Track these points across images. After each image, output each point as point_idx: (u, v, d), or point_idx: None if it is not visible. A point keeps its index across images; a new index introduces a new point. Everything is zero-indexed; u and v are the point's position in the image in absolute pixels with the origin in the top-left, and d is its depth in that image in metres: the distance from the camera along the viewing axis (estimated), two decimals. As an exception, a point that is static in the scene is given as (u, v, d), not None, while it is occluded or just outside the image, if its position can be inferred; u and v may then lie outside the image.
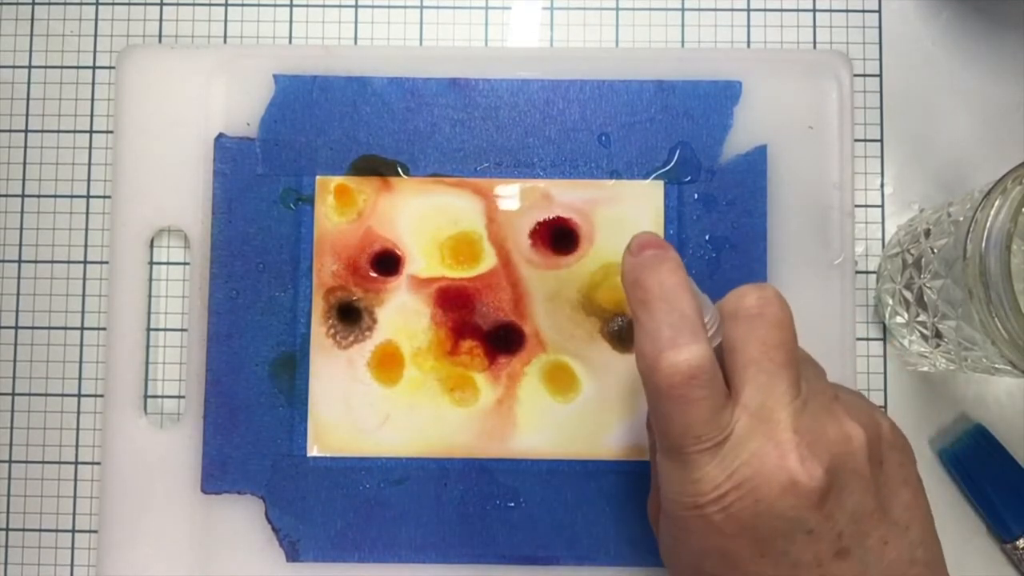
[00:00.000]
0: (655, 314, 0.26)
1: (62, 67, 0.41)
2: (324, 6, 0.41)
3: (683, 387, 0.25)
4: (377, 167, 0.38)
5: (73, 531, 0.39)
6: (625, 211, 0.38)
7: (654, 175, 0.38)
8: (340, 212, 0.38)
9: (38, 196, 0.40)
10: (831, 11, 0.41)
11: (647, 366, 0.26)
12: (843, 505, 0.26)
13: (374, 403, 0.38)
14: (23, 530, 0.39)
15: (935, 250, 0.33)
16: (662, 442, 0.27)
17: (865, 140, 0.40)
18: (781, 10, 0.41)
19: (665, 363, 0.25)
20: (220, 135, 0.39)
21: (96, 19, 0.41)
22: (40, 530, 0.39)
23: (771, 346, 0.26)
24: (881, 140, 0.40)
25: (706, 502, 0.26)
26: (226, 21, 0.41)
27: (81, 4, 0.41)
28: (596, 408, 0.38)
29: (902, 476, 0.27)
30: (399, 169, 0.38)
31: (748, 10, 0.41)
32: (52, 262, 0.40)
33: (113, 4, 0.41)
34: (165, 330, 0.39)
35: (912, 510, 0.27)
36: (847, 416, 0.26)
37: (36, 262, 0.40)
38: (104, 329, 0.39)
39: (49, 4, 0.41)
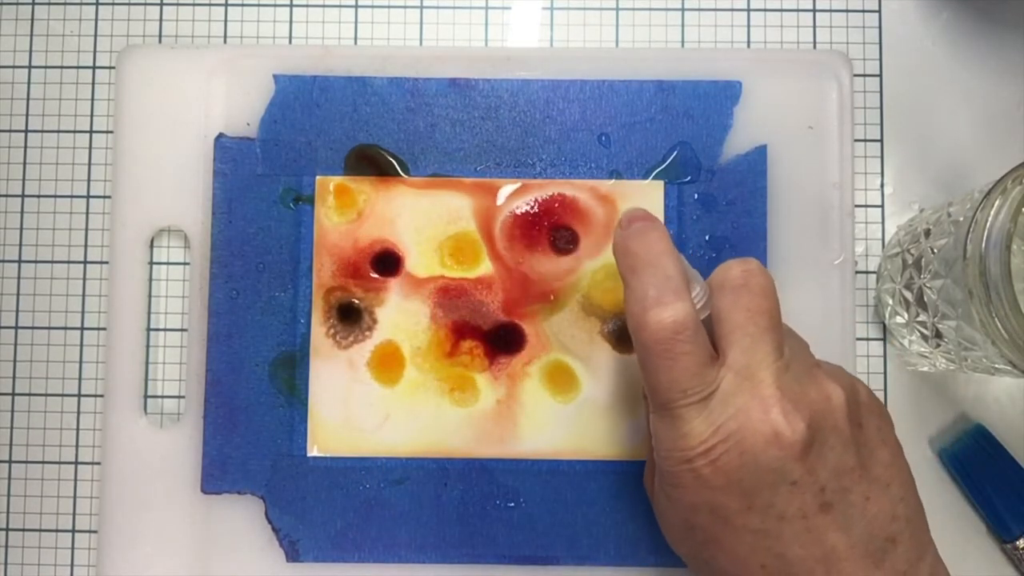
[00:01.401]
0: (642, 277, 0.28)
1: (62, 67, 0.41)
2: (324, 6, 0.41)
3: (668, 341, 0.27)
4: (375, 159, 0.38)
5: (73, 531, 0.39)
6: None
7: (654, 175, 0.38)
8: (340, 212, 0.38)
9: (38, 196, 0.40)
10: (831, 11, 0.41)
11: (635, 324, 0.28)
12: (825, 460, 0.27)
13: (374, 403, 0.38)
14: (23, 530, 0.39)
15: (935, 250, 0.33)
16: (652, 399, 0.28)
17: (865, 140, 0.40)
18: (781, 10, 0.41)
19: (651, 320, 0.27)
20: (220, 135, 0.39)
21: (96, 19, 0.41)
22: (40, 530, 0.39)
23: (755, 312, 0.28)
24: (881, 140, 0.40)
25: (695, 455, 0.27)
26: (226, 21, 0.41)
27: (81, 4, 0.41)
28: (596, 408, 0.38)
29: (880, 437, 0.29)
30: (396, 165, 0.38)
31: (748, 10, 0.41)
32: (52, 262, 0.40)
33: (113, 4, 0.41)
34: (165, 330, 0.39)
35: (892, 468, 0.28)
36: (827, 378, 0.28)
37: (36, 262, 0.40)
38: (104, 329, 0.39)
39: (49, 4, 0.41)
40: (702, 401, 0.27)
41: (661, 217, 0.38)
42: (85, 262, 0.40)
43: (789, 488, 0.27)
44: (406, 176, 0.38)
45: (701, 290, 0.29)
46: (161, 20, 0.41)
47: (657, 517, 0.31)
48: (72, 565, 0.39)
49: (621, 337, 0.38)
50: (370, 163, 0.38)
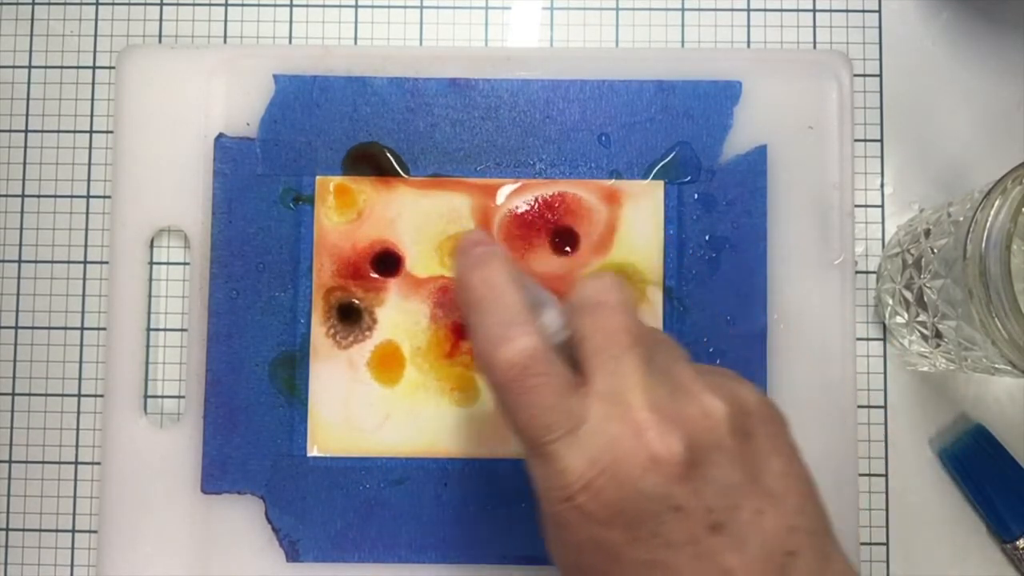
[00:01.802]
0: (483, 313, 0.27)
1: (62, 67, 0.41)
2: (324, 6, 0.41)
3: (520, 379, 0.26)
4: (377, 157, 0.38)
5: (73, 531, 0.39)
6: (625, 211, 0.38)
7: (654, 175, 0.38)
8: (340, 212, 0.38)
9: (38, 196, 0.40)
10: (831, 11, 0.41)
11: (484, 364, 0.26)
12: (709, 479, 0.25)
13: (374, 403, 0.38)
14: (23, 530, 0.39)
15: (935, 250, 0.33)
16: (521, 441, 0.27)
17: (865, 140, 0.40)
18: (781, 10, 0.41)
19: (500, 358, 0.26)
20: (220, 135, 0.39)
21: (96, 19, 0.41)
22: (40, 530, 0.39)
23: (613, 331, 0.27)
24: (881, 140, 0.40)
25: (574, 492, 0.25)
26: (226, 21, 0.41)
27: (81, 4, 0.41)
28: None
29: (773, 447, 0.27)
30: (396, 163, 0.38)
31: (748, 10, 0.41)
32: (52, 262, 0.40)
33: (113, 4, 0.41)
34: (165, 330, 0.39)
35: (786, 479, 0.27)
36: (706, 392, 0.26)
37: (36, 262, 0.40)
38: (104, 329, 0.39)
39: (49, 4, 0.41)
40: (570, 434, 0.25)
41: (661, 217, 0.38)
42: (85, 262, 0.40)
43: (674, 514, 0.25)
44: (406, 176, 0.38)
45: (557, 313, 0.28)
46: (161, 20, 0.41)
47: (552, 560, 0.29)
48: (72, 565, 0.39)
49: (621, 337, 0.38)
50: (371, 161, 0.38)
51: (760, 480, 0.26)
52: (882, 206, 0.40)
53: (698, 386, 0.26)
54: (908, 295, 0.35)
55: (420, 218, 0.38)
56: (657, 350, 0.28)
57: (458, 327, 0.38)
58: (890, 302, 0.37)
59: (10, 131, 0.40)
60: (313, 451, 0.38)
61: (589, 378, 0.26)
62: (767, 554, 0.25)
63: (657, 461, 0.25)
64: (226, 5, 0.41)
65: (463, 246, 0.28)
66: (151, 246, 0.39)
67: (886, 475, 0.39)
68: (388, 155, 0.39)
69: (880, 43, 0.40)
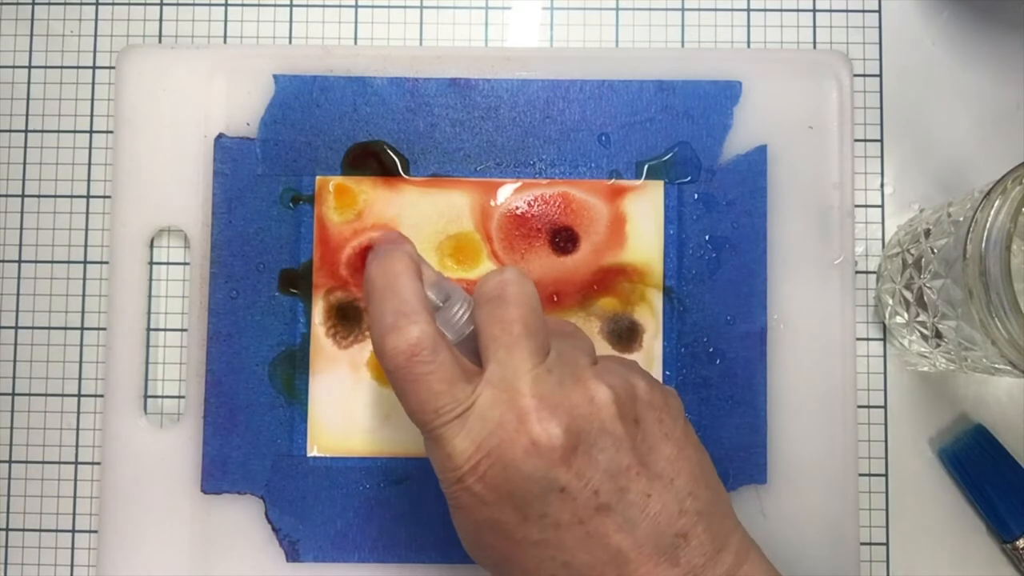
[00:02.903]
0: (378, 303, 0.28)
1: (62, 67, 0.41)
2: (324, 6, 0.41)
3: (408, 365, 0.27)
4: (378, 154, 0.38)
5: (73, 531, 0.39)
6: (625, 211, 0.38)
7: (654, 175, 0.38)
8: (340, 212, 0.38)
9: (38, 196, 0.40)
10: (831, 11, 0.41)
11: (377, 352, 0.28)
12: (594, 462, 0.27)
13: (374, 403, 0.38)
14: (23, 530, 0.39)
15: (935, 250, 0.33)
16: (416, 424, 0.28)
17: (865, 140, 0.40)
18: (781, 10, 0.41)
19: (388, 346, 0.27)
20: (220, 135, 0.39)
21: (96, 19, 0.41)
22: (40, 530, 0.39)
23: (509, 322, 0.28)
24: (881, 140, 0.40)
25: (464, 474, 0.27)
26: (226, 21, 0.41)
27: (81, 4, 0.41)
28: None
29: (662, 432, 0.28)
30: (398, 161, 0.38)
31: (748, 10, 0.41)
32: (52, 262, 0.40)
33: (113, 4, 0.41)
34: (165, 330, 0.39)
35: (676, 462, 0.28)
36: (595, 379, 0.28)
37: (36, 262, 0.40)
38: (104, 329, 0.39)
39: (49, 4, 0.41)
40: (458, 419, 0.27)
41: (661, 217, 0.38)
42: (85, 262, 0.40)
43: (559, 495, 0.26)
44: (406, 176, 0.38)
45: (461, 305, 0.29)
46: (161, 20, 0.41)
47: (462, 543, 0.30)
48: (72, 565, 0.39)
49: (621, 337, 0.38)
50: (372, 158, 0.38)
51: (649, 464, 0.27)
52: (882, 206, 0.40)
53: (588, 374, 0.28)
54: (908, 295, 0.35)
55: (420, 218, 0.38)
56: (560, 341, 0.29)
57: (458, 327, 0.38)
58: (890, 302, 0.37)
59: (10, 131, 0.40)
60: (313, 451, 0.38)
61: (485, 366, 0.28)
62: (657, 535, 0.27)
63: (538, 445, 0.26)
64: (226, 5, 0.41)
65: (374, 243, 0.30)
66: (151, 246, 0.39)
67: (886, 475, 0.39)
68: (389, 151, 0.39)
69: (880, 43, 0.40)
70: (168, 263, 0.40)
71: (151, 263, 0.39)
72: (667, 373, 0.38)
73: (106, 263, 0.40)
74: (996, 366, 0.31)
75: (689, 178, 0.38)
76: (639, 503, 0.27)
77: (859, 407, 0.39)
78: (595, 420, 0.27)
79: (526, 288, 0.29)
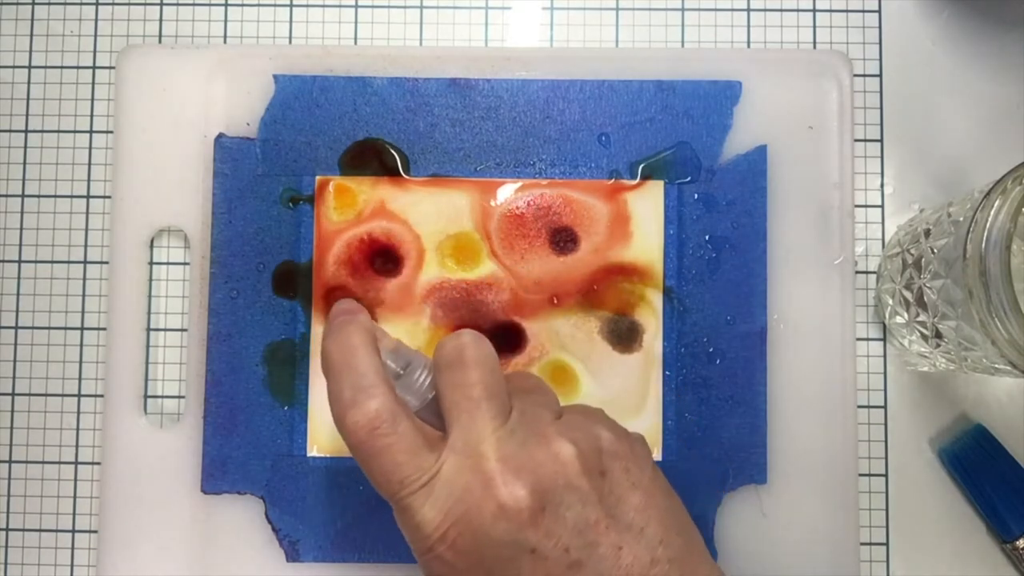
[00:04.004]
0: (336, 379, 0.28)
1: (62, 67, 0.41)
2: (324, 6, 0.41)
3: (369, 439, 0.27)
4: (380, 151, 0.38)
5: (73, 531, 0.39)
6: (625, 211, 0.38)
7: (654, 175, 0.38)
8: (340, 212, 0.38)
9: (38, 196, 0.40)
10: (831, 11, 0.41)
11: (338, 427, 0.28)
12: (562, 520, 0.27)
13: (374, 403, 0.38)
14: (23, 530, 0.39)
15: (935, 250, 0.33)
16: (382, 495, 0.28)
17: (865, 140, 0.40)
18: (781, 10, 0.41)
19: (349, 421, 0.27)
20: (220, 135, 0.39)
21: (96, 19, 0.41)
22: (40, 530, 0.39)
23: (468, 386, 0.28)
24: (881, 140, 0.40)
25: (433, 543, 0.27)
26: (226, 21, 0.41)
27: (81, 4, 0.41)
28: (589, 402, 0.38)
29: (629, 481, 0.28)
30: (399, 159, 0.38)
31: (748, 10, 0.41)
32: (52, 262, 0.40)
33: (113, 4, 0.41)
34: (165, 330, 0.39)
35: (645, 511, 0.28)
36: (558, 436, 0.27)
37: (36, 262, 0.40)
38: (104, 329, 0.39)
39: (49, 4, 0.41)
40: (424, 488, 0.27)
41: (661, 217, 0.38)
42: (85, 262, 0.40)
43: (530, 556, 0.26)
44: (406, 176, 0.38)
45: (422, 371, 0.29)
46: (161, 20, 0.41)
47: None
48: (72, 565, 0.39)
49: (621, 337, 0.38)
50: (373, 156, 0.38)
51: (617, 516, 0.27)
52: (882, 206, 0.40)
53: (551, 431, 0.28)
54: (908, 295, 0.35)
55: (420, 218, 0.38)
56: (522, 399, 0.29)
57: (458, 327, 0.38)
58: (890, 302, 0.37)
59: (10, 131, 0.40)
60: (313, 451, 0.38)
61: (447, 432, 0.28)
62: None
63: (505, 509, 0.26)
64: (226, 5, 0.41)
65: (330, 316, 0.30)
66: (151, 246, 0.39)
67: (886, 475, 0.39)
68: (390, 149, 0.39)
69: (880, 43, 0.40)
70: (168, 263, 0.40)
71: (151, 263, 0.39)
72: (667, 373, 0.38)
73: (106, 263, 0.40)
74: (996, 366, 0.31)
75: (689, 178, 0.38)
76: (611, 556, 0.27)
77: (859, 407, 0.39)
78: (560, 477, 0.27)
79: (483, 350, 0.29)
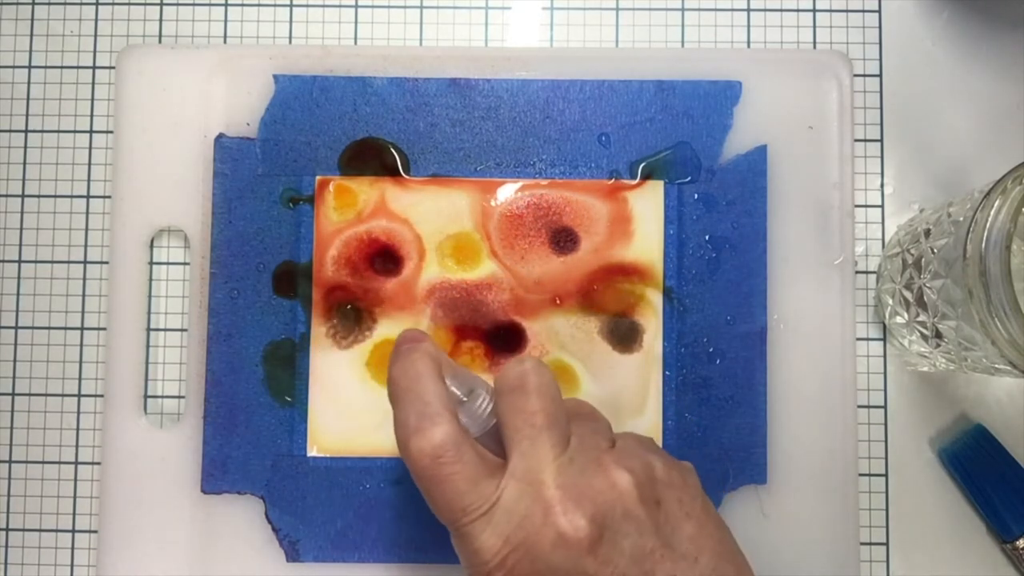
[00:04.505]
0: (402, 405, 0.29)
1: (62, 67, 0.41)
2: (324, 6, 0.41)
3: (433, 466, 0.27)
4: (380, 150, 0.38)
5: (73, 531, 0.39)
6: (625, 211, 0.38)
7: (654, 175, 0.38)
8: (340, 212, 0.38)
9: (38, 196, 0.40)
10: (831, 11, 0.41)
11: (402, 453, 0.28)
12: (620, 548, 0.27)
13: (374, 403, 0.38)
14: (23, 530, 0.39)
15: (935, 250, 0.33)
16: (442, 521, 0.28)
17: (865, 140, 0.40)
18: (781, 10, 0.41)
19: (413, 448, 0.28)
20: (220, 135, 0.39)
21: (96, 19, 0.41)
22: (40, 530, 0.39)
23: (530, 413, 0.28)
24: (881, 140, 0.40)
25: (491, 568, 0.27)
26: (226, 21, 0.41)
27: (81, 4, 0.41)
28: (596, 407, 0.37)
29: (683, 511, 0.29)
30: (399, 157, 0.38)
31: (748, 10, 0.41)
32: (52, 262, 0.40)
33: (113, 4, 0.41)
34: (165, 330, 0.39)
35: (698, 540, 0.28)
36: (615, 465, 0.28)
37: (36, 262, 0.40)
38: (104, 329, 0.39)
39: (49, 4, 0.41)
40: (484, 515, 0.27)
41: (661, 217, 0.38)
42: (85, 262, 0.40)
43: None
44: (406, 176, 0.38)
45: (484, 397, 0.29)
46: (161, 20, 0.41)
47: None
48: (72, 565, 0.39)
49: (621, 337, 0.38)
50: (373, 155, 0.38)
51: (672, 545, 0.28)
52: (882, 206, 0.40)
53: (608, 459, 0.28)
54: (908, 295, 0.35)
55: (420, 218, 0.38)
56: (579, 425, 0.29)
57: (458, 327, 0.38)
58: (890, 302, 0.37)
59: (10, 131, 0.40)
60: (313, 451, 0.38)
61: (509, 457, 0.28)
62: None
63: (564, 537, 0.26)
64: (226, 5, 0.41)
65: (396, 343, 0.31)
66: (151, 246, 0.39)
67: (886, 475, 0.39)
68: (390, 149, 0.39)
69: (880, 43, 0.40)
70: (168, 263, 0.40)
71: (151, 263, 0.39)
72: (667, 373, 0.38)
73: (106, 263, 0.40)
74: (996, 366, 0.31)
75: (689, 178, 0.38)
76: None
77: (859, 407, 0.39)
78: (618, 506, 0.27)
79: (546, 378, 0.29)
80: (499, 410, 0.29)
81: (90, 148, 0.40)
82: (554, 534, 0.26)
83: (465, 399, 0.29)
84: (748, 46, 0.40)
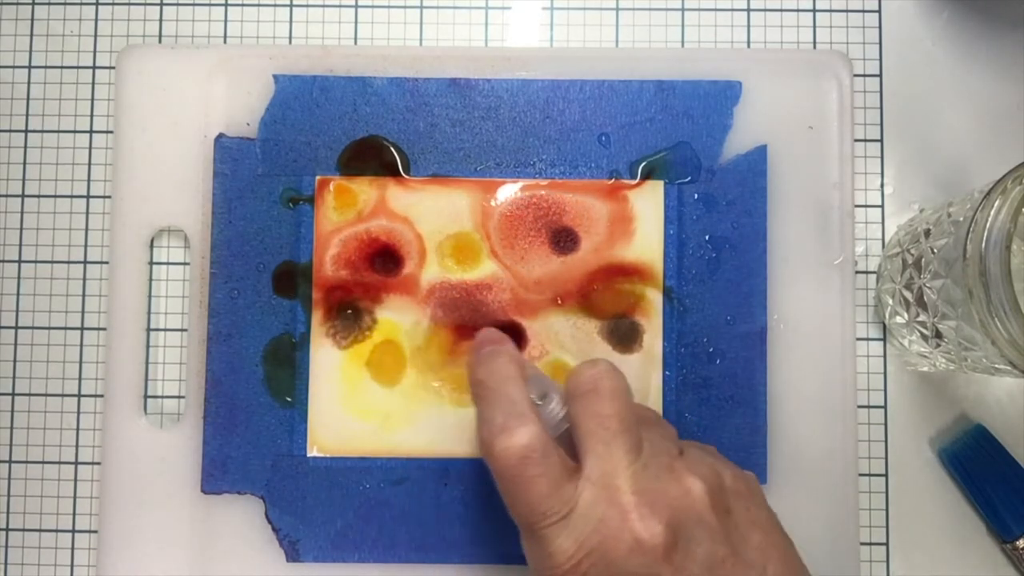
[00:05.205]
0: (488, 403, 0.29)
1: (62, 67, 0.41)
2: (324, 6, 0.41)
3: (518, 468, 0.28)
4: (380, 149, 0.38)
5: (73, 531, 0.39)
6: (625, 211, 0.38)
7: (653, 175, 0.38)
8: (340, 212, 0.38)
9: (38, 196, 0.40)
10: (831, 11, 0.41)
11: (485, 452, 0.28)
12: (693, 555, 0.27)
13: (374, 403, 0.38)
14: (23, 530, 0.39)
15: (935, 250, 0.33)
16: (517, 522, 0.28)
17: (865, 140, 0.40)
18: (781, 10, 0.41)
19: (498, 448, 0.28)
20: (220, 135, 0.39)
21: (96, 19, 0.41)
22: (40, 530, 0.39)
23: (605, 416, 0.28)
24: (881, 140, 0.40)
25: (564, 572, 0.27)
26: (226, 21, 0.41)
27: (81, 4, 0.41)
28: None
29: (750, 520, 0.29)
30: (398, 157, 0.38)
31: (748, 10, 0.41)
32: (52, 262, 0.40)
33: (113, 4, 0.41)
34: (165, 330, 0.39)
35: (765, 550, 0.28)
36: (687, 472, 0.28)
37: (36, 262, 0.40)
38: (104, 329, 0.39)
39: (49, 4, 0.41)
40: (563, 519, 0.27)
41: (661, 217, 0.38)
42: (85, 262, 0.40)
43: None
44: (406, 176, 0.38)
45: (559, 401, 0.30)
46: (161, 20, 0.41)
47: None
48: (72, 565, 0.39)
49: (621, 337, 0.38)
50: (373, 156, 0.38)
51: (742, 552, 0.28)
52: (882, 206, 0.40)
53: (680, 466, 0.28)
54: (908, 295, 0.35)
55: (420, 218, 0.38)
56: (647, 430, 0.29)
57: (458, 327, 0.38)
58: (890, 302, 0.37)
59: (10, 131, 0.40)
60: (313, 451, 0.38)
61: (583, 461, 0.28)
62: None
63: (641, 543, 0.27)
64: (226, 5, 0.41)
65: (476, 344, 0.31)
66: (151, 246, 0.39)
67: (886, 475, 0.39)
68: (390, 149, 0.39)
69: (880, 43, 0.40)
70: (168, 263, 0.40)
71: (151, 263, 0.39)
72: (667, 373, 0.38)
73: (106, 263, 0.40)
74: (996, 366, 0.31)
75: (689, 178, 0.38)
76: None
77: (859, 407, 0.39)
78: (692, 513, 0.27)
79: (620, 382, 0.29)
80: (572, 413, 0.29)
81: (90, 148, 0.40)
82: (630, 540, 0.27)
83: (540, 402, 0.30)
84: (748, 46, 0.40)
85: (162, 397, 0.39)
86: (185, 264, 0.40)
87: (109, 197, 0.40)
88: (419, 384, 0.38)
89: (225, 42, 0.41)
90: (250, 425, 0.38)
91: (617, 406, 0.28)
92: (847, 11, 0.41)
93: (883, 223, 0.40)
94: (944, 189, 0.40)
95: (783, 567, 0.28)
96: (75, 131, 0.40)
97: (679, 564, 0.27)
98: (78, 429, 0.39)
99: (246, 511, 0.37)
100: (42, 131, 0.40)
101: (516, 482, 0.28)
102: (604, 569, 0.27)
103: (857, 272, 0.39)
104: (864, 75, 0.40)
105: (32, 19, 0.41)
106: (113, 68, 0.40)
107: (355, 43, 0.41)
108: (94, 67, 0.41)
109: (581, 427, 0.28)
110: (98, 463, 0.39)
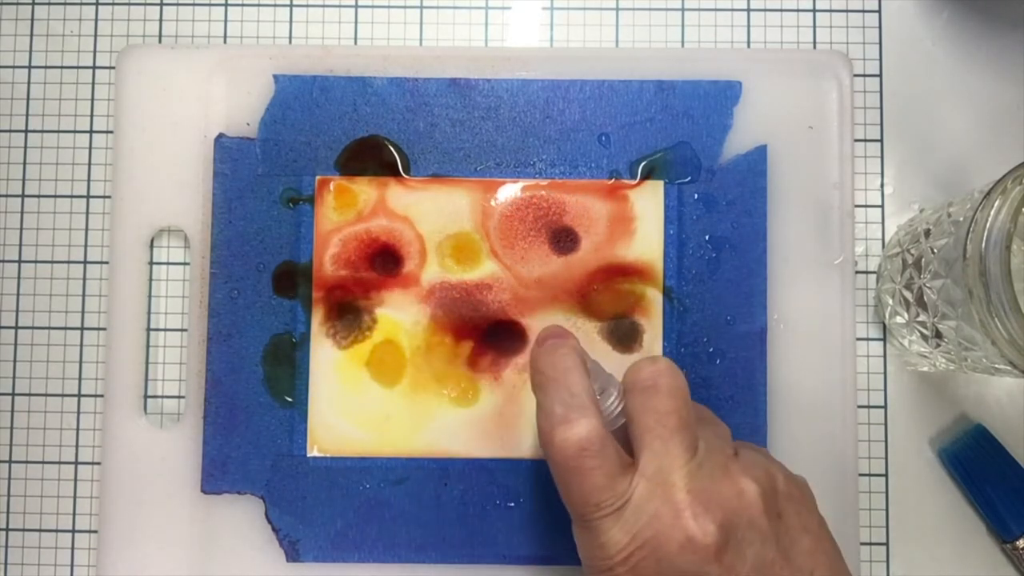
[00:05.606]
0: (548, 394, 0.29)
1: (62, 67, 0.41)
2: (324, 6, 0.41)
3: (576, 459, 0.28)
4: (380, 149, 0.38)
5: (73, 531, 0.39)
6: (625, 211, 0.38)
7: (654, 175, 0.38)
8: (340, 212, 0.38)
9: (38, 196, 0.40)
10: (831, 11, 0.41)
11: (544, 441, 0.29)
12: (743, 556, 0.27)
13: (374, 403, 0.38)
14: (23, 530, 0.39)
15: (935, 250, 0.33)
16: (570, 512, 0.29)
17: (865, 140, 0.40)
18: (781, 10, 0.41)
19: (558, 438, 0.28)
20: (220, 135, 0.39)
21: (96, 19, 0.41)
22: (40, 530, 0.39)
23: (663, 413, 0.28)
24: (881, 140, 0.40)
25: (614, 564, 0.27)
26: (226, 21, 0.41)
27: (81, 4, 0.41)
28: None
29: (801, 524, 0.29)
30: (398, 156, 0.38)
31: (748, 10, 0.41)
32: (52, 262, 0.40)
33: (113, 4, 0.41)
34: (165, 330, 0.39)
35: (815, 555, 0.29)
36: (742, 473, 0.28)
37: (36, 262, 0.40)
38: (104, 329, 0.39)
39: (49, 4, 0.41)
40: (616, 512, 0.28)
41: (661, 217, 0.38)
42: (85, 262, 0.40)
43: None
44: (406, 176, 0.38)
45: (617, 396, 0.30)
46: (161, 20, 0.41)
47: None
48: (72, 565, 0.39)
49: (621, 337, 0.38)
50: (373, 156, 0.38)
51: (791, 557, 0.28)
52: (882, 206, 0.40)
53: (735, 467, 0.28)
54: (908, 295, 0.35)
55: (420, 218, 0.38)
56: (703, 429, 0.29)
57: (458, 327, 0.38)
58: (890, 302, 0.37)
59: (10, 131, 0.40)
60: (313, 451, 0.38)
61: (638, 456, 0.28)
62: None
63: (693, 541, 0.27)
64: (226, 5, 0.41)
65: (540, 338, 0.31)
66: (151, 246, 0.39)
67: (886, 475, 0.39)
68: (390, 149, 0.39)
69: (880, 43, 0.40)
70: (168, 263, 0.40)
71: (151, 263, 0.39)
72: (667, 373, 0.38)
73: (106, 263, 0.40)
74: (996, 366, 0.31)
75: (689, 178, 0.38)
76: None
77: (859, 407, 0.39)
78: (744, 515, 0.28)
79: (679, 380, 0.29)
80: (630, 408, 0.29)
81: (90, 148, 0.40)
82: (683, 537, 0.27)
83: (599, 396, 0.30)
84: (748, 46, 0.40)
85: (162, 397, 0.39)
86: (185, 264, 0.40)
87: (109, 197, 0.40)
88: (419, 384, 0.38)
89: (225, 42, 0.41)
90: (250, 425, 0.38)
91: (676, 404, 0.29)
92: (847, 11, 0.41)
93: (883, 223, 0.40)
94: (944, 189, 0.40)
95: (830, 573, 0.29)
96: (75, 131, 0.40)
97: (728, 564, 0.27)
98: (78, 429, 0.39)
99: (246, 511, 0.37)
100: (42, 131, 0.40)
101: (573, 473, 0.28)
102: (654, 564, 0.27)
103: (857, 272, 0.39)
104: (864, 75, 0.40)
105: (32, 19, 0.41)
106: (113, 68, 0.40)
107: (355, 43, 0.41)
108: (94, 67, 0.41)
109: (639, 423, 0.29)
110: (98, 463, 0.39)
